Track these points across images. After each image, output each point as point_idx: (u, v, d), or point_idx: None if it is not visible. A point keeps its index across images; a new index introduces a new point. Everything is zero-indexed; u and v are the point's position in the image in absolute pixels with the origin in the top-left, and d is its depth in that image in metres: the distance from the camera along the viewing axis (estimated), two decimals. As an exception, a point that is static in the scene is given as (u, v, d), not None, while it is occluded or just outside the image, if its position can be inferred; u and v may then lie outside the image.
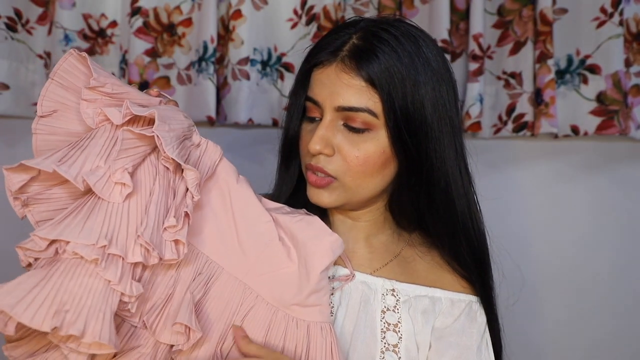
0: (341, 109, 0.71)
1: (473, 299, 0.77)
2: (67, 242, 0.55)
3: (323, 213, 0.80)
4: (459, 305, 0.76)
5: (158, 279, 0.63)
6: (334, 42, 0.73)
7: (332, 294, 0.74)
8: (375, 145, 0.71)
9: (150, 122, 0.61)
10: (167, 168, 0.63)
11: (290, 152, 0.80)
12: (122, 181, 0.58)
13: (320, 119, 0.73)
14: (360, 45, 0.72)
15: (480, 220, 0.80)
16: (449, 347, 0.74)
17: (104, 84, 0.62)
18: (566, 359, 1.23)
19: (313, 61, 0.75)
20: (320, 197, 0.74)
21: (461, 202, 0.76)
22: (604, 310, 1.21)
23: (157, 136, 0.59)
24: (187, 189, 0.62)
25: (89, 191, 0.59)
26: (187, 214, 0.61)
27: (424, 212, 0.77)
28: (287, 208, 0.72)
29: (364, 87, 0.70)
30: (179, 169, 0.64)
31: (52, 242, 0.56)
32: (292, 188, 0.81)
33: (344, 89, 0.71)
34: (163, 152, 0.60)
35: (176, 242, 0.61)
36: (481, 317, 0.77)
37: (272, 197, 0.81)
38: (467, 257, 0.77)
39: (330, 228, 0.79)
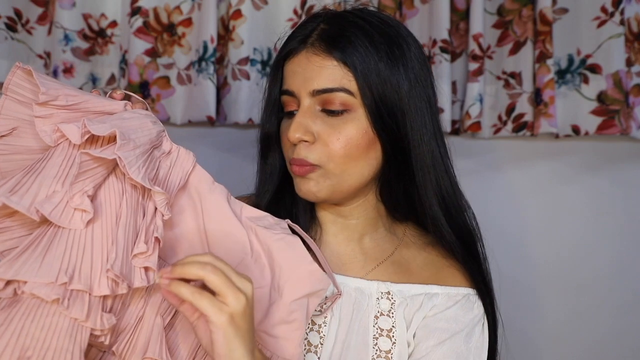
0: (317, 93, 0.69)
1: (471, 291, 0.75)
2: (25, 282, 0.50)
3: (312, 215, 0.79)
4: (455, 298, 0.74)
5: (127, 302, 0.58)
6: (302, 32, 0.73)
7: (326, 316, 0.72)
8: (357, 126, 0.70)
9: (112, 137, 0.56)
10: (134, 186, 0.58)
11: (269, 150, 0.78)
12: (81, 207, 0.53)
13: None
14: (328, 28, 0.72)
15: (465, 201, 0.78)
16: (435, 331, 0.71)
17: (55, 96, 0.56)
18: (566, 359, 1.22)
19: (283, 53, 0.74)
20: (308, 187, 0.71)
21: (444, 181, 0.74)
22: (604, 310, 1.21)
23: (119, 158, 0.54)
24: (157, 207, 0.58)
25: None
26: (157, 239, 0.56)
27: (413, 197, 0.75)
28: (270, 218, 0.67)
29: (336, 67, 0.69)
30: None
31: (10, 281, 0.51)
32: (275, 186, 0.78)
33: (316, 72, 0.70)
34: (127, 174, 0.55)
35: (146, 268, 0.56)
36: (478, 309, 0.75)
37: (256, 197, 0.80)
38: (455, 242, 0.75)
39: (320, 231, 0.78)
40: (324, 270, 0.67)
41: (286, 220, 0.68)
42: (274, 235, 0.64)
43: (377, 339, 0.71)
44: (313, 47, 0.71)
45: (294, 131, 0.69)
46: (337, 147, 0.69)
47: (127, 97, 0.64)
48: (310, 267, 0.63)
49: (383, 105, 0.70)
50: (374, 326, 0.72)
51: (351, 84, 0.69)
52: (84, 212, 0.54)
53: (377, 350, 0.71)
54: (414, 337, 0.73)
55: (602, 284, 1.21)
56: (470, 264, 0.76)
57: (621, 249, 1.21)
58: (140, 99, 0.64)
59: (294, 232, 0.69)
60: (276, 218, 0.68)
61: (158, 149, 0.61)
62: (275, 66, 0.76)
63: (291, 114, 0.73)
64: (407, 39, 0.73)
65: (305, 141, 0.70)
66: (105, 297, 0.54)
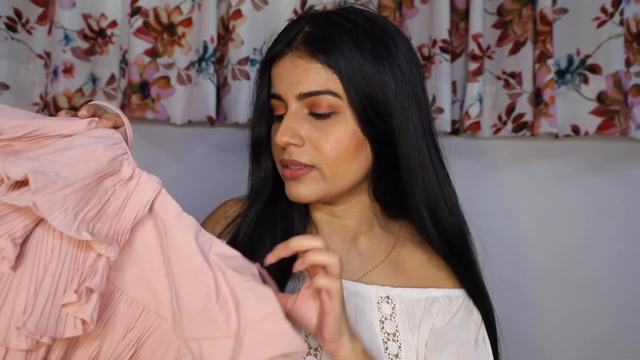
0: (303, 96, 0.70)
1: (465, 292, 0.75)
2: None
3: (307, 217, 0.78)
4: (456, 301, 0.74)
5: (74, 345, 0.54)
6: (287, 35, 0.73)
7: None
8: (344, 128, 0.70)
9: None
10: None
11: (260, 154, 0.78)
12: (1, 253, 0.49)
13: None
14: (312, 31, 0.71)
15: (457, 203, 0.77)
16: (448, 344, 0.71)
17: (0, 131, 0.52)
18: (566, 359, 1.22)
19: (268, 57, 0.74)
20: (298, 190, 0.71)
21: (431, 182, 0.73)
22: (604, 310, 1.21)
23: (35, 205, 0.48)
24: None
25: None
26: (89, 289, 0.51)
27: (403, 196, 0.74)
28: (240, 260, 0.59)
29: (321, 70, 0.69)
30: None
31: None
32: (269, 190, 0.78)
33: (301, 75, 0.70)
34: (48, 221, 0.49)
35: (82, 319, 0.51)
36: (476, 310, 0.75)
37: (248, 200, 0.79)
38: (438, 242, 0.75)
39: (315, 231, 0.78)
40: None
41: (256, 264, 0.61)
42: (244, 282, 0.57)
43: (386, 343, 0.71)
44: (297, 51, 0.71)
45: (281, 135, 0.70)
46: (327, 149, 0.69)
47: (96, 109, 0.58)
48: (281, 326, 0.55)
49: (370, 106, 0.70)
50: (381, 331, 0.71)
51: (337, 86, 0.69)
52: (3, 258, 0.50)
53: (388, 354, 0.70)
54: (425, 345, 0.72)
55: (602, 284, 1.21)
56: (454, 266, 0.76)
57: (621, 249, 1.21)
58: (116, 110, 0.60)
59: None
60: (246, 260, 0.60)
61: (113, 177, 0.55)
62: (262, 70, 0.76)
63: (281, 118, 0.73)
64: (395, 37, 0.73)
65: (294, 144, 0.70)
66: (30, 350, 0.49)
